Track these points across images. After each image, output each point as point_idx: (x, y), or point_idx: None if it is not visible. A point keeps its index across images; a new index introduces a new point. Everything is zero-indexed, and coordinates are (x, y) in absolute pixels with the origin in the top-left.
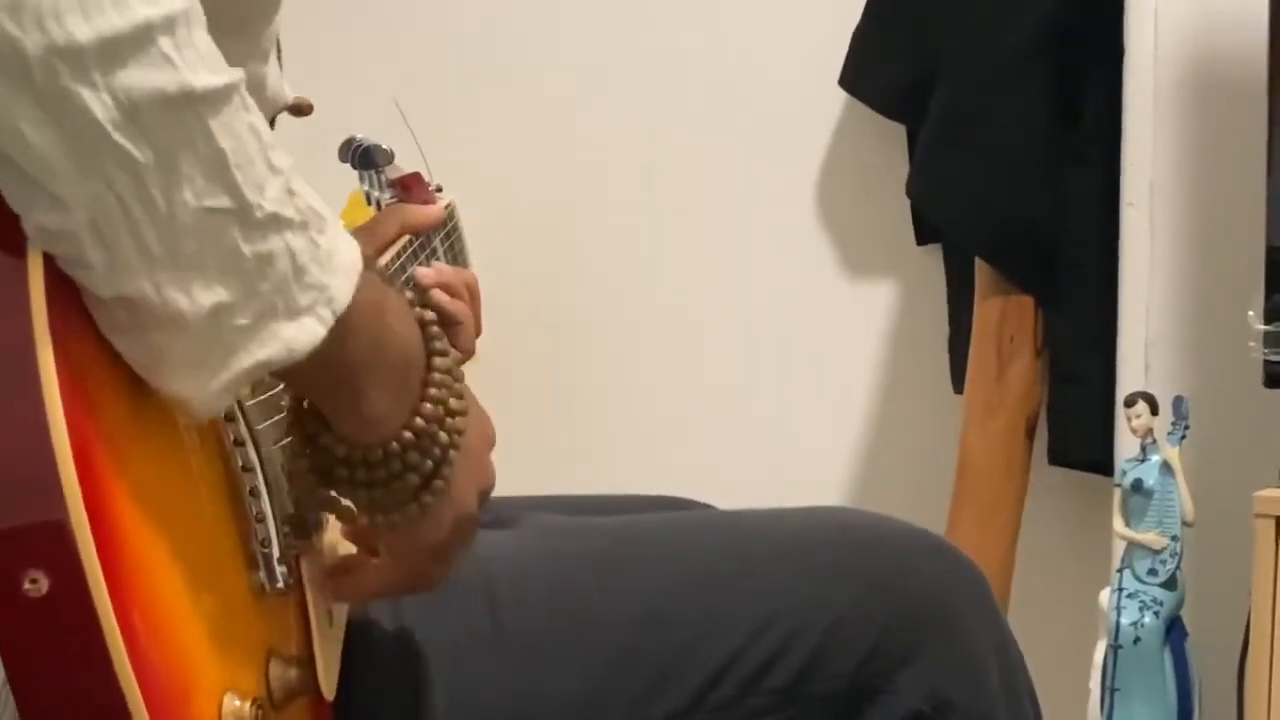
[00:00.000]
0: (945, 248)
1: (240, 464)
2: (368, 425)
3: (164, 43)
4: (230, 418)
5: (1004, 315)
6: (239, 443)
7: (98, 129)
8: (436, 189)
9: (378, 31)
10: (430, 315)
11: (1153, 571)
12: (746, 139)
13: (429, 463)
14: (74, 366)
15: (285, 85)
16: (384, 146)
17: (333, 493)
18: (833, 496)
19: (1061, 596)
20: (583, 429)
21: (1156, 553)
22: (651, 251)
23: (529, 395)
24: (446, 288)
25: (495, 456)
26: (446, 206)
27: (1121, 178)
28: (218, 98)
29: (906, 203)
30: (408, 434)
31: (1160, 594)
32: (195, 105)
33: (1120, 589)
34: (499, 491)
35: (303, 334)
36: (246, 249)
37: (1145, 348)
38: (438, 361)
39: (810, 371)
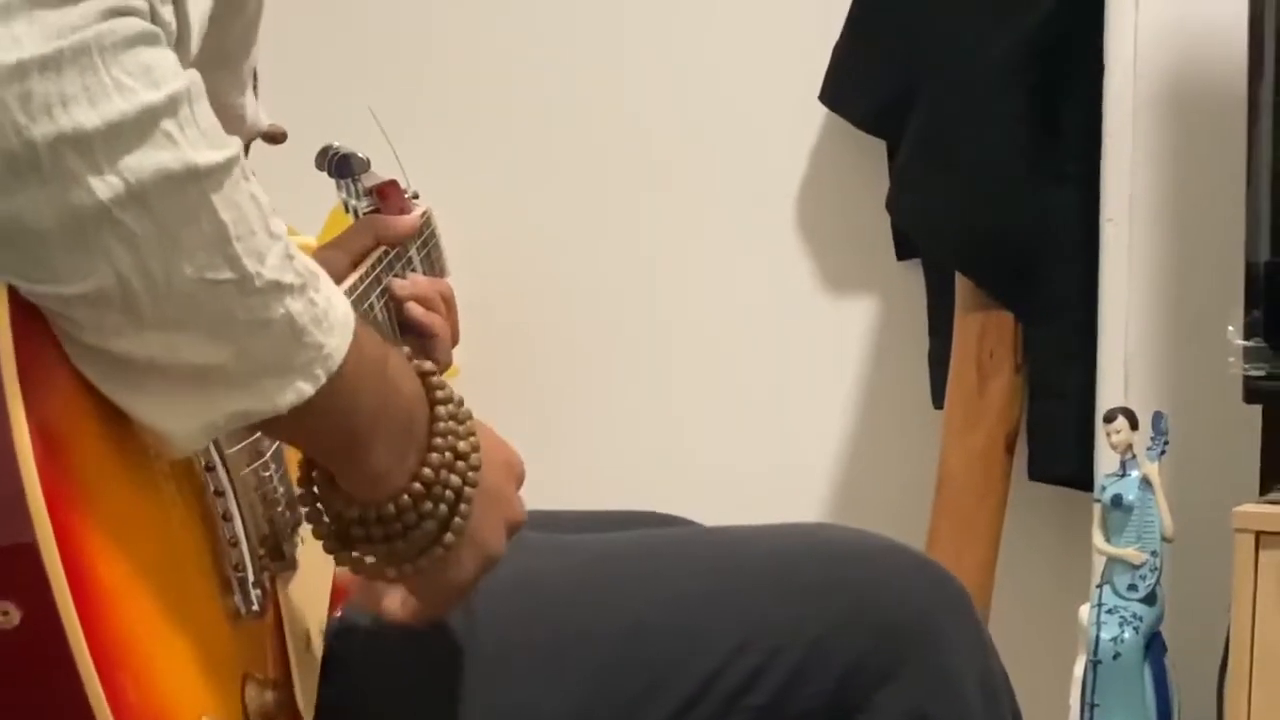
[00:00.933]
0: (925, 263)
1: (212, 488)
2: (376, 480)
3: (167, 124)
4: None
5: (984, 330)
6: (209, 467)
7: (101, 210)
8: (413, 196)
9: (354, 40)
10: (428, 366)
11: (1132, 587)
12: (726, 153)
13: (444, 508)
14: (41, 392)
15: (262, 113)
16: (360, 154)
17: (354, 553)
18: (813, 512)
19: (1041, 612)
20: (562, 444)
21: (1136, 568)
22: (630, 265)
23: (508, 408)
24: (422, 300)
25: None
26: (423, 214)
27: (1101, 193)
28: (220, 172)
29: (886, 218)
30: (417, 484)
31: (1140, 609)
32: (200, 181)
33: (1100, 604)
34: None
35: (289, 393)
36: (242, 315)
37: (1125, 363)
38: (440, 410)
39: (790, 386)
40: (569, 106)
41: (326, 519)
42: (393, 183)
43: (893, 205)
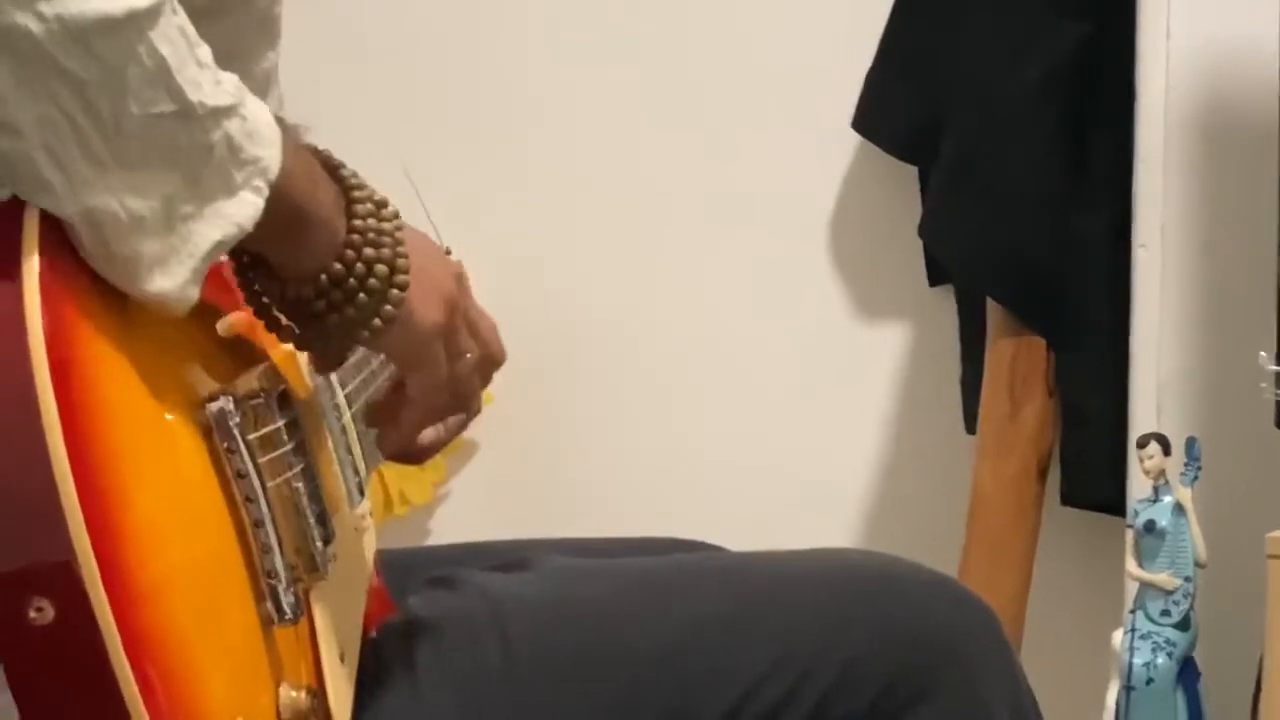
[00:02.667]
0: (957, 289)
1: (243, 496)
2: (313, 255)
3: None
4: (232, 450)
5: (1016, 356)
6: (241, 475)
7: (46, 56)
8: (445, 251)
9: (384, 95)
10: (335, 161)
11: (1165, 612)
12: (759, 181)
13: (385, 251)
14: (76, 397)
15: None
16: None
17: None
18: (845, 537)
19: (1074, 637)
20: (594, 470)
21: (1169, 594)
22: (663, 293)
23: (540, 438)
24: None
25: (508, 497)
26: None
27: (1132, 219)
28: (156, 10)
29: (919, 244)
30: (350, 251)
31: (1173, 635)
32: (138, 21)
33: (1133, 630)
34: (511, 533)
35: (245, 208)
36: (186, 142)
37: (1157, 389)
38: (351, 181)
39: (823, 412)
40: (596, 135)
41: (276, 312)
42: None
43: (925, 231)
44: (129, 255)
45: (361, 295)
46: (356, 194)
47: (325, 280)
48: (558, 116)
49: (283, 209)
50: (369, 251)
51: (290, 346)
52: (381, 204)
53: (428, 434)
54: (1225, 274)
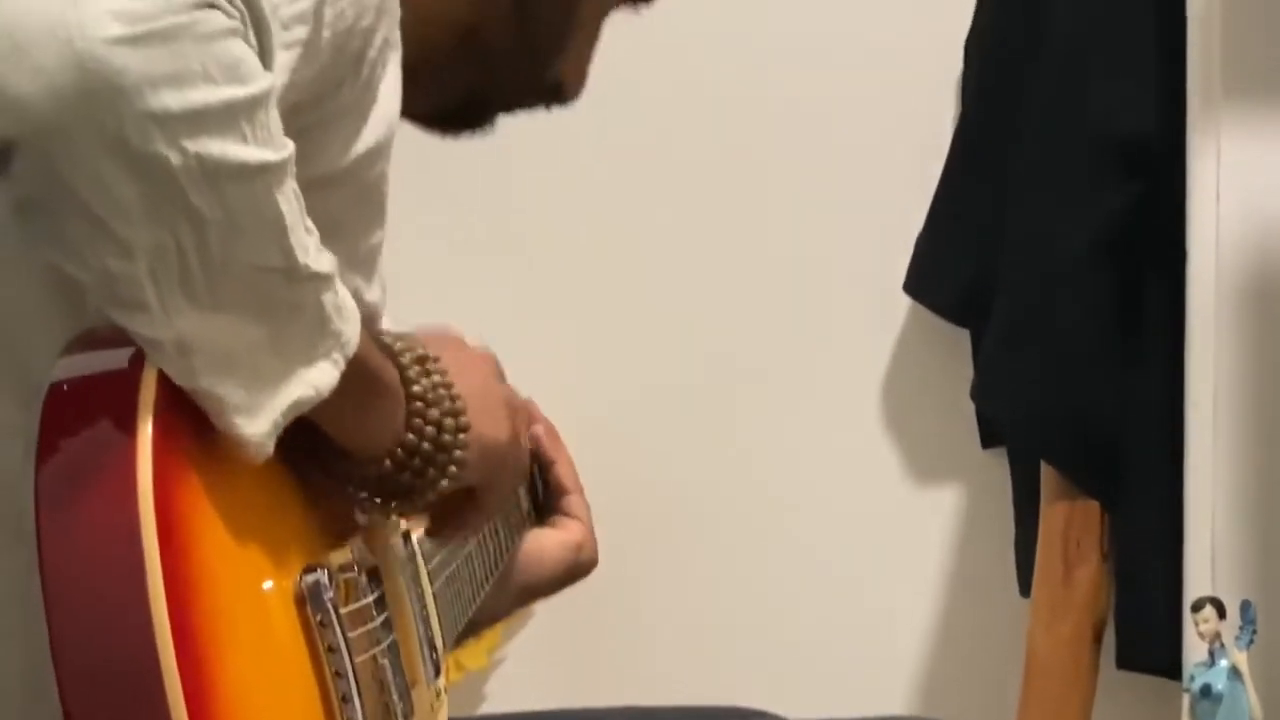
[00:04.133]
0: (1010, 451)
1: (333, 670)
2: (390, 423)
3: (244, 119)
4: (324, 624)
5: (1070, 519)
6: (332, 649)
7: (178, 189)
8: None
9: (456, 244)
10: (401, 344)
11: None
12: (812, 344)
13: (445, 404)
14: (180, 564)
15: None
16: None
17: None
18: (901, 701)
19: None
20: (650, 636)
21: None
22: (717, 457)
23: (589, 599)
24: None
25: (564, 663)
26: None
27: (1185, 381)
28: (282, 169)
29: (971, 407)
30: (417, 403)
31: None
32: (268, 174)
33: None
34: (568, 702)
35: (323, 375)
36: (283, 300)
37: (1211, 551)
38: (405, 359)
39: (877, 574)
40: (654, 302)
41: (359, 490)
42: None
43: (977, 394)
44: (213, 393)
45: (439, 454)
46: (405, 357)
47: (402, 453)
48: (618, 276)
49: (357, 384)
50: (433, 412)
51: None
52: (424, 358)
53: None
54: (1279, 436)
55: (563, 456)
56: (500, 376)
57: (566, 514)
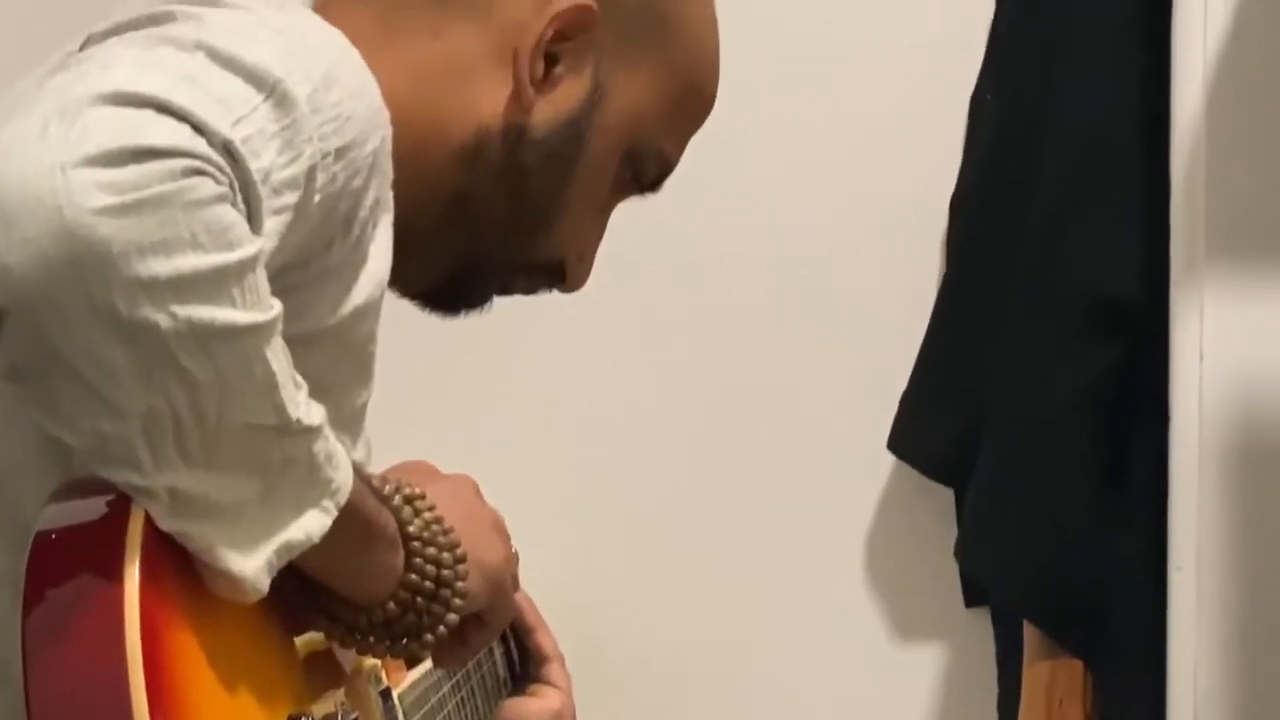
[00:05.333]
0: (994, 610)
1: None
2: (389, 566)
3: (234, 284)
4: None
5: (1053, 678)
6: None
7: (168, 352)
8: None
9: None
10: (390, 488)
11: None
12: (797, 501)
13: (440, 539)
14: (168, 714)
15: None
16: None
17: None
18: None
19: None
20: None
21: None
22: (696, 613)
23: None
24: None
25: None
26: None
27: (1168, 541)
28: (271, 328)
29: (955, 565)
30: (415, 543)
31: None
32: (257, 333)
33: None
34: None
35: (314, 522)
36: (276, 455)
37: (1194, 711)
38: (396, 501)
39: None
40: (639, 452)
41: (367, 635)
42: None
43: (961, 552)
44: (204, 536)
45: (442, 589)
46: (396, 500)
47: (405, 594)
48: (595, 433)
49: (352, 531)
50: (430, 550)
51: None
52: (412, 496)
53: None
54: (1262, 596)
55: (542, 624)
56: (481, 497)
57: (547, 682)
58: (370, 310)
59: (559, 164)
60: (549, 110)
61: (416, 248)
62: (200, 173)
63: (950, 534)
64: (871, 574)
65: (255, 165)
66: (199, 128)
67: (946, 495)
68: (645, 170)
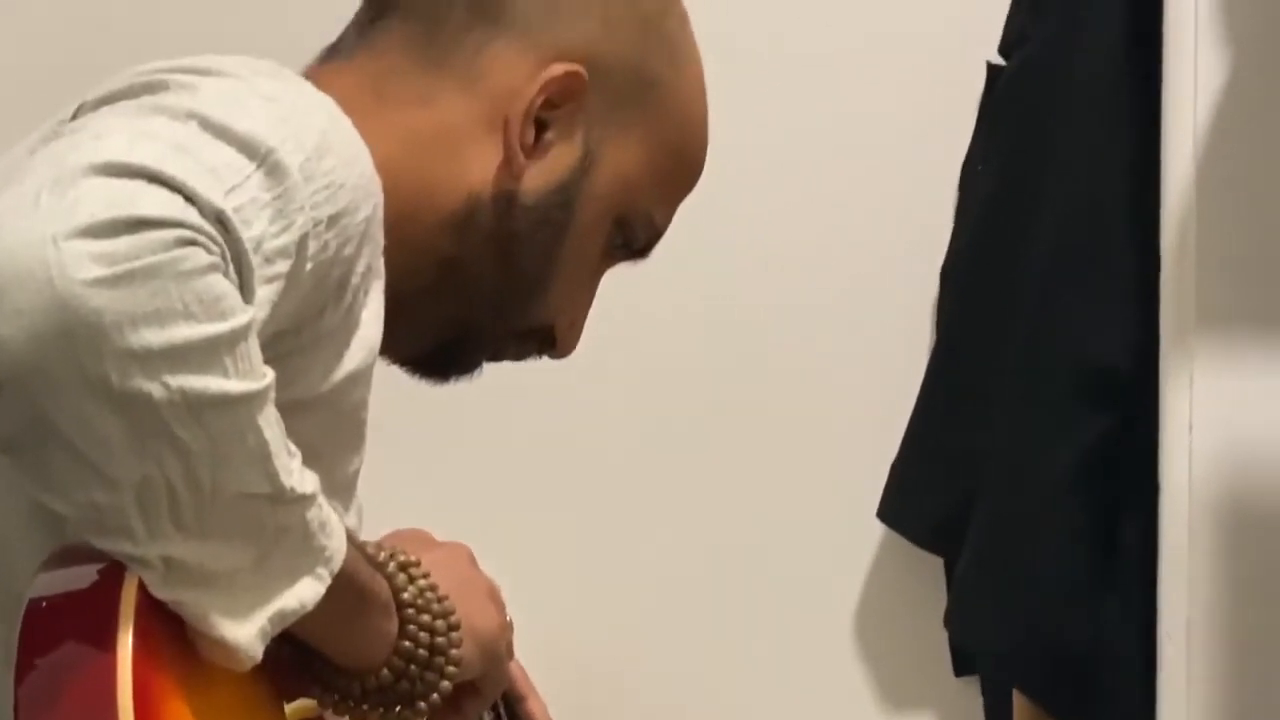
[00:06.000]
0: (983, 680)
1: None
2: (384, 632)
3: (226, 354)
4: None
5: None
6: None
7: (161, 422)
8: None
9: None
10: (385, 555)
11: None
12: (785, 570)
13: (434, 606)
14: None
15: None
16: None
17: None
18: None
19: None
20: None
21: None
22: (683, 684)
23: None
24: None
25: None
26: None
27: (1158, 611)
28: (264, 397)
29: (944, 634)
30: (409, 610)
31: None
32: (250, 402)
33: None
34: None
35: (307, 590)
36: (270, 524)
37: None
38: (390, 568)
39: None
40: (624, 523)
41: (361, 703)
42: None
43: (951, 621)
44: (198, 604)
45: (436, 657)
46: (390, 566)
47: (399, 661)
48: (587, 503)
49: (346, 598)
50: (424, 617)
51: None
52: (406, 564)
53: None
54: (1253, 666)
55: (533, 692)
56: (476, 566)
57: None
58: (362, 376)
59: (549, 230)
60: (539, 177)
61: (406, 313)
62: (192, 243)
63: (940, 603)
64: (861, 642)
65: (247, 235)
66: (191, 198)
67: (936, 564)
68: (635, 236)
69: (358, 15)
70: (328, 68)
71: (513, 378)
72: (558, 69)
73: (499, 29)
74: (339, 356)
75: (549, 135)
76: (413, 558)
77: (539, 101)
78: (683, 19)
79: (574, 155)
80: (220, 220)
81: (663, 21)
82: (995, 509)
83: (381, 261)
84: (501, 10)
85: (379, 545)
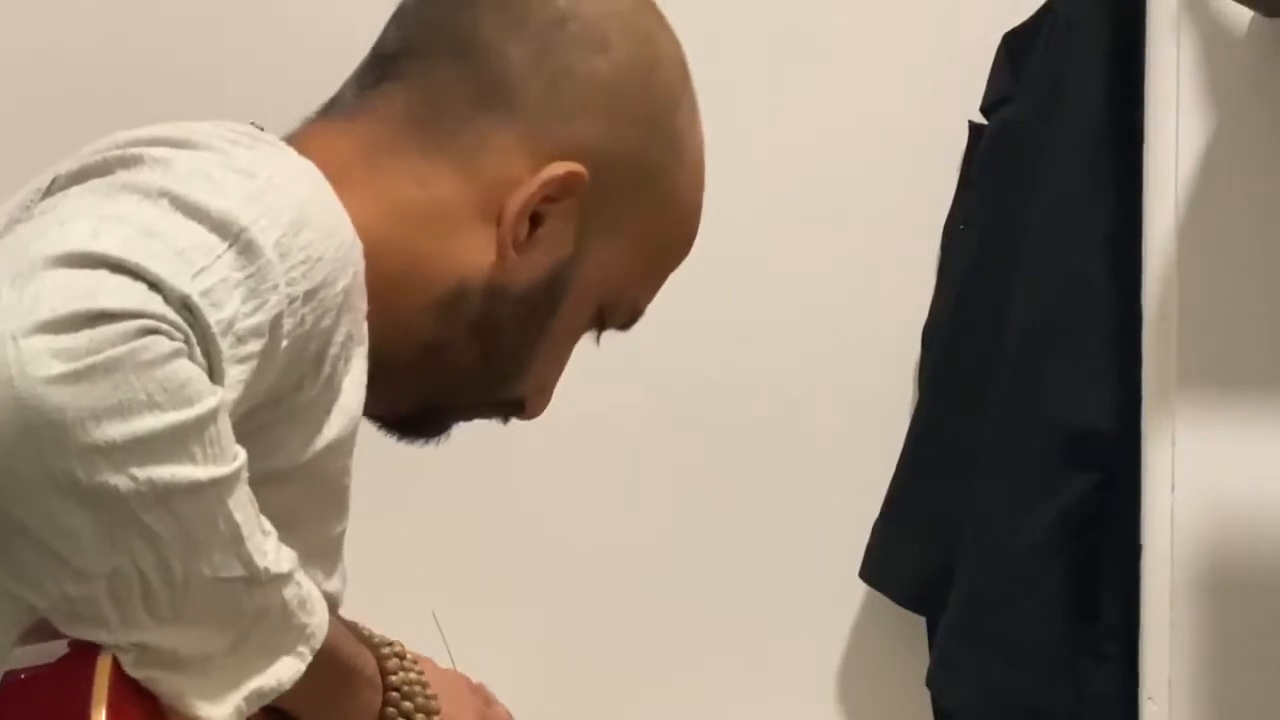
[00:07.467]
0: None
1: None
2: (366, 711)
3: (193, 440)
4: None
5: None
6: None
7: (130, 513)
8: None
9: (413, 537)
10: (379, 638)
11: None
12: (767, 630)
13: (419, 699)
14: None
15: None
16: None
17: None
18: None
19: None
20: None
21: None
22: None
23: None
24: None
25: None
26: None
27: (1140, 671)
28: (234, 480)
29: (927, 695)
30: (393, 693)
31: None
32: (219, 487)
33: None
34: None
35: (287, 668)
36: (247, 606)
37: None
38: (392, 664)
39: None
40: (606, 588)
41: None
42: None
43: (933, 682)
44: (172, 685)
45: None
46: (384, 650)
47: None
48: (583, 558)
49: (329, 673)
50: (407, 704)
51: None
52: (402, 653)
53: None
54: None
55: None
56: (473, 692)
57: None
58: (344, 444)
59: (534, 319)
60: (529, 270)
61: (382, 383)
62: (154, 331)
63: (922, 663)
64: (844, 702)
65: (216, 317)
66: (155, 284)
67: (918, 623)
68: (616, 318)
69: (361, 71)
70: (327, 126)
71: (480, 438)
72: (559, 169)
73: (505, 118)
74: (319, 426)
75: (542, 230)
76: (413, 654)
77: (537, 199)
78: (692, 109)
79: (565, 249)
80: (186, 305)
81: (672, 116)
82: (977, 569)
83: (363, 327)
84: (510, 100)
85: (384, 638)
